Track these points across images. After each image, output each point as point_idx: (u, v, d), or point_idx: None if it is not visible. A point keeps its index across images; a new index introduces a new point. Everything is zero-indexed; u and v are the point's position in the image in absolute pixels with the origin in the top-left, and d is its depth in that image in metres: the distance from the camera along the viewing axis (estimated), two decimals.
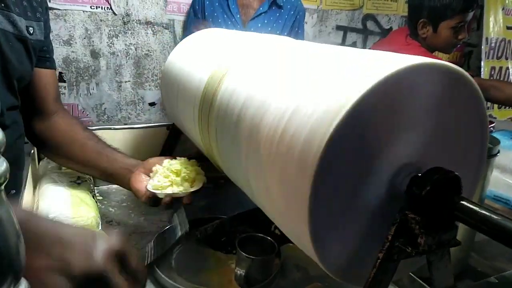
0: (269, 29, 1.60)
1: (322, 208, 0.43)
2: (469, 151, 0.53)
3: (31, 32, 0.73)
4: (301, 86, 0.50)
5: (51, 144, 0.84)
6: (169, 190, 0.70)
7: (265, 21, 1.61)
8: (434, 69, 0.45)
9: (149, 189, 0.71)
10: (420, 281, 0.64)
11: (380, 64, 0.44)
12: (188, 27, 1.66)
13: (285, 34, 1.65)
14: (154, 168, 0.75)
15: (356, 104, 0.40)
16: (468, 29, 1.53)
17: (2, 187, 0.23)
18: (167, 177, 0.72)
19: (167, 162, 0.76)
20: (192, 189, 0.71)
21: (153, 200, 0.74)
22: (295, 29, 1.69)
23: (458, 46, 1.58)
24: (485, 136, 0.52)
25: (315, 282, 0.74)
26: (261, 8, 1.60)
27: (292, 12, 1.66)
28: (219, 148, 0.68)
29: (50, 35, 1.76)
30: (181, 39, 1.70)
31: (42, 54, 0.81)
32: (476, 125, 0.51)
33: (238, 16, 1.58)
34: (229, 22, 1.57)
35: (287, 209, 0.47)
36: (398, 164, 0.46)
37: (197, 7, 1.62)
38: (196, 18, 1.63)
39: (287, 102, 0.49)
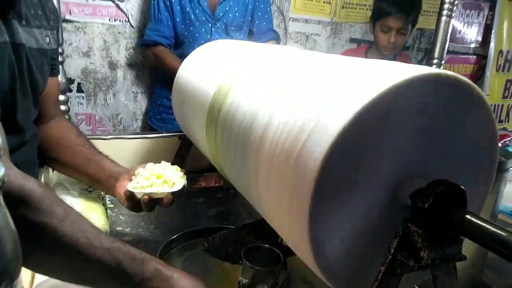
0: (236, 10, 1.64)
1: (322, 221, 0.42)
2: (478, 165, 0.52)
3: (48, 41, 0.74)
4: (301, 100, 0.50)
5: (44, 147, 0.84)
6: (148, 190, 0.71)
7: (231, 3, 1.64)
8: (438, 80, 0.44)
9: (128, 189, 0.71)
10: None
11: (379, 77, 0.44)
12: (153, 18, 1.62)
13: (248, 18, 1.70)
14: (136, 171, 0.75)
15: (353, 119, 0.40)
16: (402, 36, 1.73)
17: (1, 191, 0.23)
18: (147, 178, 0.72)
19: (150, 165, 0.77)
20: (171, 190, 0.71)
21: (132, 202, 0.73)
22: (257, 13, 1.72)
23: (395, 50, 1.77)
24: (495, 150, 0.51)
25: None
26: None
27: None
28: (225, 160, 0.69)
29: (70, 47, 1.81)
30: (143, 33, 1.71)
31: (52, 62, 0.81)
32: (485, 138, 0.50)
33: (206, 4, 1.60)
34: (197, 11, 1.58)
35: (289, 222, 0.47)
36: (401, 176, 0.45)
37: None
38: (161, 10, 1.59)
39: (287, 117, 0.49)
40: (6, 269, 0.23)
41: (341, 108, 0.42)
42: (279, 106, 0.53)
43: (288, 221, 0.47)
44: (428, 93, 0.44)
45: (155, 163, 0.80)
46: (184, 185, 0.73)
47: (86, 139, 0.87)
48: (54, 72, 0.83)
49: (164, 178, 0.72)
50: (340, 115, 0.41)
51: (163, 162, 0.78)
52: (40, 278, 0.55)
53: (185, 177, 0.75)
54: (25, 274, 0.60)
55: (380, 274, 0.42)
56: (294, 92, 0.53)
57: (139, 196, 0.71)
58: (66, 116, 1.07)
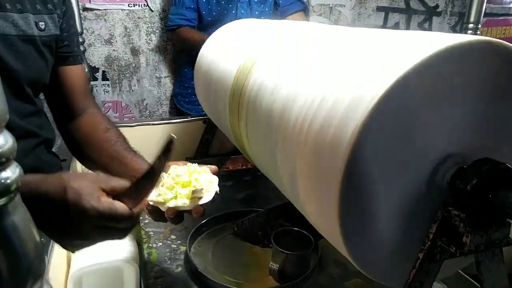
0: None
1: (354, 202, 0.40)
2: None
3: (42, 27, 0.68)
4: (331, 74, 0.47)
5: (76, 145, 0.81)
6: (172, 203, 0.57)
7: None
8: (484, 49, 0.40)
9: (149, 202, 0.58)
10: (470, 279, 0.59)
11: (421, 44, 0.40)
12: (175, 2, 1.57)
13: None
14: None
15: (390, 90, 0.36)
16: None
17: (17, 192, 0.23)
18: (171, 189, 0.58)
19: (173, 169, 0.61)
20: (200, 202, 0.57)
21: (156, 215, 0.60)
22: None
23: None
24: None
25: (355, 279, 0.71)
26: None
27: None
28: (249, 140, 0.67)
29: (92, 36, 1.82)
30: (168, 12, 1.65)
31: (64, 50, 0.76)
32: None
33: None
34: None
35: (317, 205, 0.45)
36: (441, 154, 0.42)
37: None
38: None
39: (314, 91, 0.46)
40: (30, 267, 0.24)
41: (381, 74, 0.38)
42: (305, 81, 0.50)
43: (317, 203, 0.45)
44: (479, 63, 0.39)
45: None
46: (216, 192, 0.59)
47: (116, 133, 0.79)
48: (70, 61, 0.78)
49: (190, 188, 0.58)
50: (380, 81, 0.37)
51: (189, 164, 0.62)
52: (73, 269, 0.57)
53: (216, 180, 0.61)
54: (60, 266, 0.61)
55: (419, 261, 0.39)
56: (321, 67, 0.50)
57: (163, 209, 0.58)
58: None
